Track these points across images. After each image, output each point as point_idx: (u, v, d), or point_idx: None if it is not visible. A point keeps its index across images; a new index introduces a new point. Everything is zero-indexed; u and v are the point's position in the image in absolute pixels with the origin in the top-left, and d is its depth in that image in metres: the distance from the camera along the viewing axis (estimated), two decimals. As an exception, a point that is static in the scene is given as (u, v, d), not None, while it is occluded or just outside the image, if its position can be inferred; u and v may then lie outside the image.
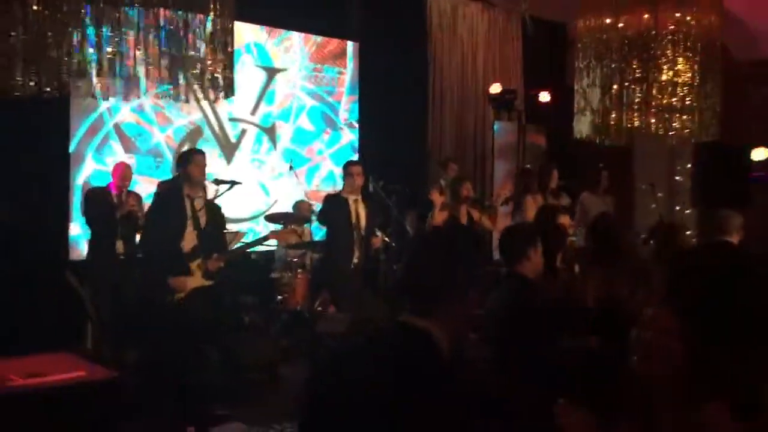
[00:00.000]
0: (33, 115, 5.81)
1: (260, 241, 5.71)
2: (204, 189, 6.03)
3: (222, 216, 5.24)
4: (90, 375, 3.64)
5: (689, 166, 9.92)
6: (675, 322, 1.95)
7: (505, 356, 3.23)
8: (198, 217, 4.85)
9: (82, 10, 3.47)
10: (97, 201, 5.95)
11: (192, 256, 4.84)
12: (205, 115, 7.49)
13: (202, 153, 5.09)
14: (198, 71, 3.76)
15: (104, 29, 3.60)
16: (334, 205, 6.16)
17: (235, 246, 6.02)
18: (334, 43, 8.43)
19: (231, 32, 3.90)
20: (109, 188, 6.03)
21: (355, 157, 8.52)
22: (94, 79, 3.85)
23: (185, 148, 7.19)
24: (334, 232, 6.17)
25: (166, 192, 5.17)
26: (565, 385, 2.85)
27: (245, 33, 7.67)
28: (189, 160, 4.90)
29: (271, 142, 7.97)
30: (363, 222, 6.17)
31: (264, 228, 7.38)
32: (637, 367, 2.09)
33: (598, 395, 2.95)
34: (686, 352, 1.90)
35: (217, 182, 5.19)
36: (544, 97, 9.16)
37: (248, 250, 6.77)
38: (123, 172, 6.06)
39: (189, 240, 4.84)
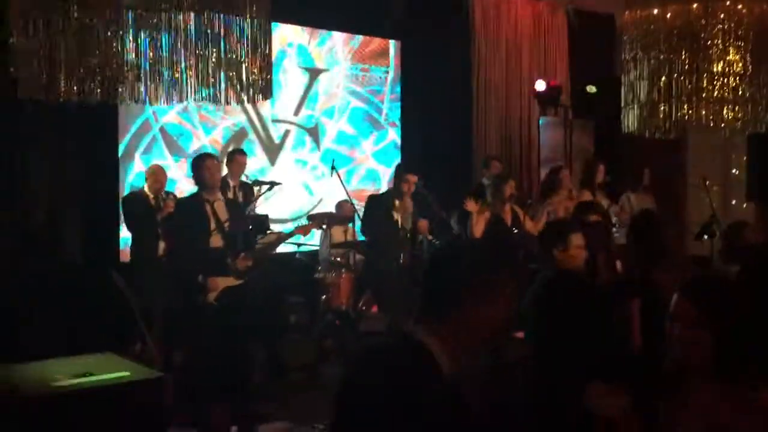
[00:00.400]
0: (82, 119, 5.94)
1: (286, 237, 5.71)
2: (249, 189, 6.09)
3: (243, 214, 5.26)
4: (135, 375, 3.69)
5: (745, 158, 9.60)
6: (698, 312, 1.91)
7: (539, 350, 3.19)
8: (220, 219, 4.89)
9: (122, 16, 3.51)
10: (134, 204, 6.06)
11: (219, 256, 4.90)
12: (249, 117, 7.55)
13: (211, 156, 5.11)
14: (236, 74, 3.78)
15: (143, 34, 3.64)
16: (378, 206, 6.15)
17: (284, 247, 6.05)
18: (376, 42, 8.41)
19: (268, 34, 3.90)
20: (144, 191, 6.11)
21: (398, 156, 8.50)
22: (139, 85, 3.91)
23: (230, 149, 7.28)
24: (379, 234, 6.16)
25: (186, 199, 5.25)
26: (602, 374, 2.81)
27: (287, 34, 7.72)
28: (199, 165, 4.94)
29: (315, 142, 8.00)
30: (408, 223, 6.17)
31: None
32: (674, 359, 2.04)
33: (636, 379, 2.89)
34: (717, 341, 1.89)
35: (258, 183, 5.22)
36: (591, 90, 8.97)
37: (294, 250, 6.83)
38: (156, 174, 6.13)
39: (215, 242, 4.89)
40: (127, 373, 3.65)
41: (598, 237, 4.09)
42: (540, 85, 8.89)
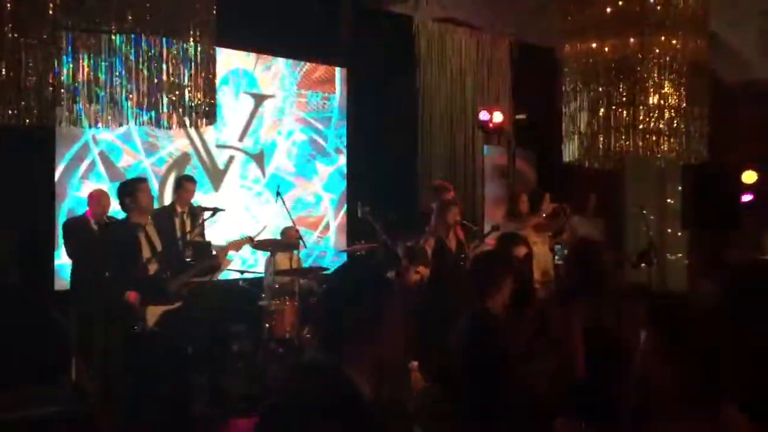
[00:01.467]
0: (17, 143, 5.75)
1: (223, 256, 5.63)
2: (196, 216, 5.98)
3: (175, 237, 5.22)
4: (69, 408, 3.56)
5: (680, 188, 9.92)
6: (668, 348, 1.93)
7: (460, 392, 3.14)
8: (155, 245, 4.80)
9: (60, 37, 3.42)
10: (75, 231, 5.85)
11: (156, 280, 4.79)
12: (192, 142, 7.45)
13: (145, 181, 5.07)
14: (179, 97, 3.72)
15: (83, 56, 3.56)
16: None
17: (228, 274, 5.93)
18: (322, 69, 8.44)
19: (213, 58, 3.86)
20: (86, 217, 5.92)
21: (344, 183, 8.50)
22: (77, 107, 3.80)
23: (173, 174, 7.16)
24: None
25: (113, 225, 5.12)
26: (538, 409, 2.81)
27: (233, 59, 7.67)
28: (136, 189, 4.87)
29: (259, 168, 7.93)
30: None
31: (251, 254, 7.31)
32: (641, 394, 2.06)
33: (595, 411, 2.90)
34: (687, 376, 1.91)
35: (200, 209, 5.12)
36: (533, 120, 9.18)
37: (237, 277, 6.72)
38: (99, 199, 5.94)
39: (151, 268, 4.80)
40: (60, 407, 3.52)
41: (524, 269, 4.10)
42: (484, 115, 9.06)
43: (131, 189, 4.89)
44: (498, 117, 9.11)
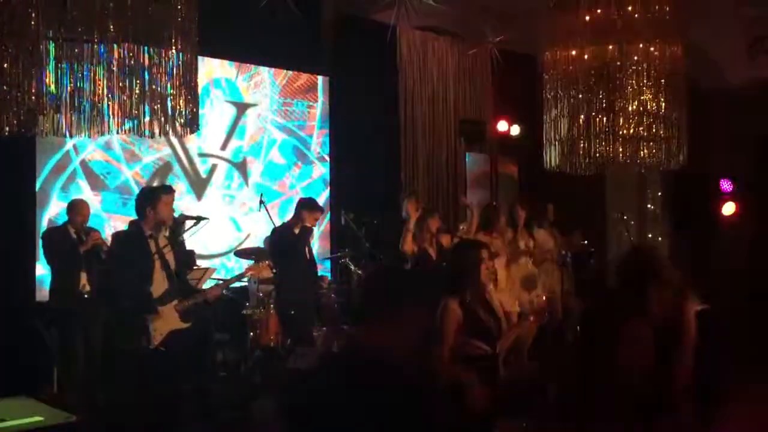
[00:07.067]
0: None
1: (238, 278, 5.56)
2: (178, 226, 5.93)
3: (187, 253, 5.07)
4: (49, 420, 3.52)
5: (660, 194, 10.04)
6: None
7: None
8: (165, 257, 4.66)
9: (42, 46, 3.42)
10: (56, 240, 5.78)
11: (165, 297, 4.62)
12: (175, 151, 7.42)
13: (170, 191, 4.82)
14: (162, 106, 3.72)
15: (65, 65, 3.55)
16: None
17: (211, 284, 5.89)
18: (304, 78, 8.45)
19: (195, 67, 3.87)
20: (66, 226, 5.85)
21: (327, 191, 8.50)
22: (59, 117, 3.79)
23: (154, 184, 7.12)
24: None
25: (128, 234, 4.84)
26: None
27: (214, 68, 7.67)
28: (157, 199, 4.66)
29: (242, 177, 7.92)
30: None
31: (236, 263, 7.29)
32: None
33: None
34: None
35: (184, 218, 5.06)
36: (515, 129, 9.24)
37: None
38: (79, 209, 5.86)
39: (159, 281, 4.61)
40: (40, 418, 3.48)
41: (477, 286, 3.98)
42: (465, 122, 9.12)
43: (150, 199, 4.67)
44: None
